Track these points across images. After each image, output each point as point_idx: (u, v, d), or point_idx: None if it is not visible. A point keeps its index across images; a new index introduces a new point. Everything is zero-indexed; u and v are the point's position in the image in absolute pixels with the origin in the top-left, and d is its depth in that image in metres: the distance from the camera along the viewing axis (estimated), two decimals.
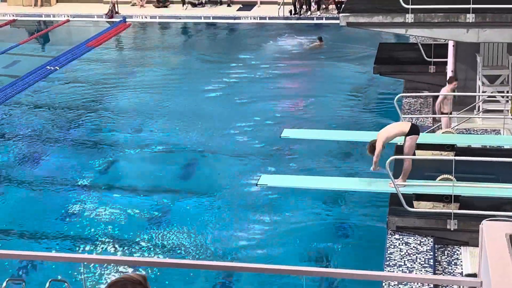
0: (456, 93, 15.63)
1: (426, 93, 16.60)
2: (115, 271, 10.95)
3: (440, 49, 16.62)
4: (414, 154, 11.69)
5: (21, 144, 16.76)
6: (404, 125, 11.64)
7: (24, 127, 17.79)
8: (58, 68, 22.50)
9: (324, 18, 28.09)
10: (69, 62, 23.29)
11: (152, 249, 12.05)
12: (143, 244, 12.20)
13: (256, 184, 12.33)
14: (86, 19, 29.73)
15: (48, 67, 22.55)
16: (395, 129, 11.56)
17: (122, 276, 4.10)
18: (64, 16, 29.93)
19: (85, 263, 7.31)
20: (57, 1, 32.05)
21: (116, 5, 29.82)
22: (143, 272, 9.18)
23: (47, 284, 8.11)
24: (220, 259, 11.55)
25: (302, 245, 12.04)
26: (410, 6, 13.23)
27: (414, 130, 11.41)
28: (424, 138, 13.66)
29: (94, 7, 30.60)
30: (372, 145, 11.39)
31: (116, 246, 12.20)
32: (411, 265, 10.15)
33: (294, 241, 12.16)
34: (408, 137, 11.35)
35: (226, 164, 15.23)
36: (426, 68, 16.93)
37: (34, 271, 11.27)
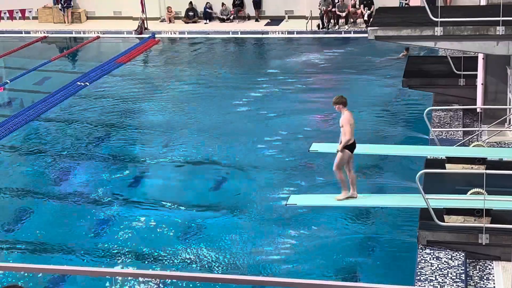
0: (486, 106, 15.51)
1: (456, 106, 16.48)
2: (144, 285, 10.99)
3: (469, 62, 16.49)
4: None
5: (51, 159, 16.94)
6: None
7: (55, 143, 17.99)
8: (88, 84, 22.75)
9: (352, 32, 28.08)
10: (99, 78, 23.54)
11: (180, 263, 12.06)
12: (170, 258, 12.21)
13: (285, 204, 12.27)
14: (115, 36, 30.07)
15: (78, 83, 22.81)
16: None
17: None
18: (94, 33, 30.30)
19: (115, 277, 7.34)
20: (87, 18, 32.48)
21: (145, 21, 30.12)
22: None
23: None
24: (248, 273, 11.52)
25: (331, 259, 11.97)
26: (439, 19, 13.18)
27: None
28: (454, 151, 13.58)
29: (124, 24, 30.96)
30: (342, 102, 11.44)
31: (145, 260, 12.24)
32: (442, 280, 10.03)
33: (322, 256, 12.09)
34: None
35: (254, 178, 15.23)
36: (455, 81, 16.80)
37: (64, 286, 11.35)
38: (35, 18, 32.62)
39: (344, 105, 11.60)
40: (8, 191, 15.35)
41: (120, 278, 10.81)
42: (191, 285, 11.09)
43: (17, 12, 31.48)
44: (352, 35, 27.95)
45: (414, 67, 18.34)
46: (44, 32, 30.83)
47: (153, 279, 10.85)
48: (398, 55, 23.58)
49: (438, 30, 13.34)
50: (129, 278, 11.06)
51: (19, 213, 14.22)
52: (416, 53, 23.45)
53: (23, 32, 31.03)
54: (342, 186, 11.83)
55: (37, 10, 32.34)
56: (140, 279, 11.12)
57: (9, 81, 23.96)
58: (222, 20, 30.78)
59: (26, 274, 11.04)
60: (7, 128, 18.66)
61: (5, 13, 31.44)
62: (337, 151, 11.62)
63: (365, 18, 28.06)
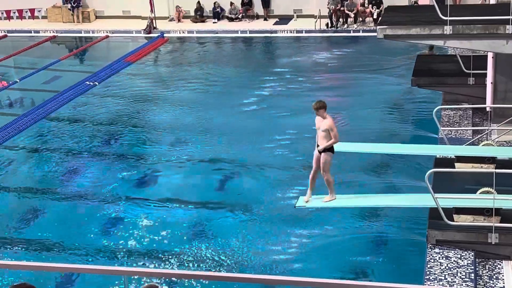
0: (496, 105, 15.45)
1: (465, 105, 16.43)
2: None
3: (479, 61, 16.44)
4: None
5: (61, 157, 17.00)
6: None
7: (64, 142, 18.05)
8: (97, 83, 22.82)
9: (361, 31, 28.05)
10: (108, 78, 23.61)
11: (189, 261, 12.08)
12: (179, 257, 12.24)
13: (294, 206, 12.24)
14: (124, 35, 30.13)
15: (87, 82, 22.88)
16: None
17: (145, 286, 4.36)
18: (103, 32, 30.38)
19: (125, 275, 7.35)
20: (96, 18, 32.57)
21: (154, 21, 30.17)
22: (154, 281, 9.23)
23: None
24: (258, 272, 11.53)
25: (340, 258, 11.96)
26: (448, 18, 13.14)
27: None
28: (464, 150, 13.55)
29: (133, 23, 31.03)
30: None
31: (153, 258, 12.27)
32: (451, 279, 10.01)
33: (331, 255, 12.09)
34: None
35: (262, 178, 15.23)
36: (465, 80, 16.75)
37: (75, 284, 11.39)
38: (44, 17, 32.75)
39: (325, 110, 11.70)
40: (17, 190, 15.41)
41: (128, 276, 10.83)
42: (199, 284, 11.12)
43: (26, 12, 31.60)
44: (361, 34, 27.92)
45: (423, 66, 18.30)
46: (54, 32, 30.94)
47: (162, 278, 10.89)
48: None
49: (448, 29, 13.30)
50: (138, 276, 11.09)
51: (28, 212, 14.28)
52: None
53: (32, 31, 31.15)
54: (330, 188, 11.88)
55: (47, 9, 32.47)
56: (149, 277, 11.14)
57: (18, 80, 24.07)
58: (231, 19, 30.80)
59: (36, 272, 11.08)
60: (17, 127, 18.74)
61: (14, 12, 31.57)
62: (320, 152, 11.70)
63: (374, 17, 28.02)
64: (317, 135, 11.78)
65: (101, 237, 13.09)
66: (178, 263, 12.03)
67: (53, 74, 24.85)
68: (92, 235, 13.15)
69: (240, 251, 12.26)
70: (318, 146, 11.76)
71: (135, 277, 10.80)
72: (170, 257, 12.25)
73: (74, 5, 31.84)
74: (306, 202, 12.01)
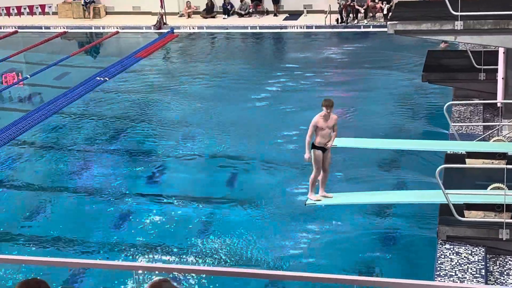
0: (507, 101, 15.38)
1: (476, 101, 16.36)
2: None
3: (490, 56, 16.36)
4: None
5: (70, 153, 17.05)
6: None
7: (74, 137, 18.10)
8: (108, 79, 22.86)
9: (371, 27, 27.95)
10: (118, 73, 23.64)
11: (197, 256, 12.10)
12: (189, 252, 12.25)
13: (305, 204, 12.21)
14: (134, 31, 30.16)
15: (98, 78, 22.92)
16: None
17: (154, 281, 4.45)
18: (114, 28, 30.42)
19: (135, 271, 7.37)
20: (106, 13, 32.61)
21: (164, 16, 30.18)
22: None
23: None
24: (266, 267, 11.52)
25: (350, 254, 11.94)
26: (459, 13, 13.07)
27: None
28: (475, 146, 13.48)
29: (143, 19, 31.05)
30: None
31: (163, 254, 12.28)
32: (462, 275, 9.98)
33: (341, 251, 12.07)
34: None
35: (272, 173, 15.22)
36: (476, 76, 16.67)
37: (85, 279, 11.43)
38: (54, 13, 32.80)
39: None
40: (27, 185, 15.47)
41: (137, 271, 10.85)
42: (208, 279, 11.12)
43: (37, 8, 31.68)
44: (371, 29, 27.82)
45: (434, 62, 18.22)
46: (64, 28, 31.00)
47: (171, 273, 10.90)
48: (440, 45, 22.94)
49: (458, 24, 13.23)
50: (147, 272, 11.11)
51: (38, 207, 14.33)
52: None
53: (43, 27, 31.23)
54: (313, 187, 11.94)
55: (57, 5, 32.53)
56: (158, 273, 11.15)
57: (29, 76, 24.15)
58: (241, 15, 30.77)
59: (46, 267, 11.12)
60: (28, 122, 18.80)
61: (25, 8, 31.66)
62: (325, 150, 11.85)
63: (384, 12, 27.91)
64: (319, 135, 11.65)
65: (111, 233, 13.12)
66: (186, 259, 12.05)
67: (64, 70, 24.91)
68: (101, 231, 13.19)
69: (249, 247, 12.26)
70: (325, 145, 11.72)
71: (143, 272, 10.83)
72: (178, 252, 12.27)
73: (88, 1, 31.90)
74: (317, 200, 11.99)
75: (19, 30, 31.24)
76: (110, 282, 10.60)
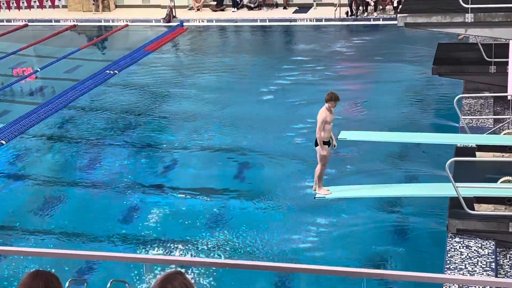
0: None
1: (486, 94, 16.30)
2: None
3: (500, 49, 16.27)
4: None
5: (80, 147, 17.10)
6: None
7: (84, 130, 18.15)
8: (117, 72, 22.89)
9: (381, 19, 27.87)
10: (127, 66, 23.68)
11: (207, 249, 12.12)
12: (198, 244, 12.28)
13: (314, 198, 12.22)
14: (144, 24, 30.19)
15: (107, 71, 22.97)
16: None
17: (167, 272, 4.42)
18: (123, 21, 30.46)
19: (146, 263, 7.41)
20: (116, 7, 32.64)
21: (173, 10, 30.19)
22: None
23: (108, 285, 8.23)
24: (276, 260, 11.53)
25: (360, 248, 11.94)
26: (469, 6, 13.00)
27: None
28: (485, 139, 13.44)
29: (152, 12, 31.07)
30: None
31: (173, 246, 12.32)
32: (472, 268, 9.96)
33: (351, 244, 12.07)
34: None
35: (282, 166, 15.22)
36: (486, 69, 16.59)
37: (95, 272, 11.48)
38: (64, 6, 32.91)
39: None
40: (38, 178, 15.53)
41: (147, 264, 10.89)
42: (218, 272, 11.15)
43: (47, 1, 31.77)
44: (381, 22, 27.73)
45: (444, 54, 18.15)
46: (74, 21, 31.06)
47: (181, 265, 10.94)
48: (458, 37, 22.77)
49: (469, 17, 13.16)
50: (157, 264, 11.15)
51: (48, 200, 14.39)
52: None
53: (53, 20, 31.30)
54: (321, 181, 11.99)
55: None
56: (168, 265, 11.19)
57: (39, 69, 24.22)
58: (250, 8, 30.73)
59: (56, 260, 11.18)
60: (38, 116, 18.87)
61: (35, 1, 31.77)
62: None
63: (395, 4, 27.81)
64: (326, 129, 11.71)
65: (120, 225, 13.17)
66: (196, 251, 12.08)
67: (73, 63, 24.96)
68: (110, 223, 13.23)
69: (258, 240, 12.28)
70: (332, 140, 11.82)
71: (153, 264, 10.87)
72: (188, 245, 12.30)
73: None
74: (326, 194, 12.02)
75: (29, 24, 31.33)
76: (120, 275, 10.62)
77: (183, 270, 4.55)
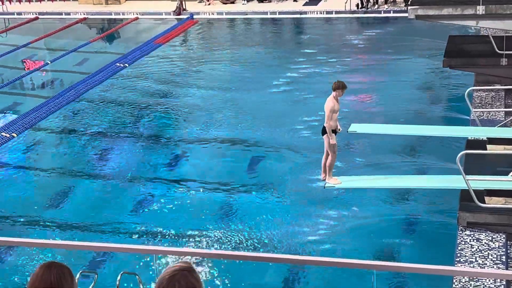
0: None
1: (498, 87, 16.21)
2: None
3: None
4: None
5: (90, 139, 17.14)
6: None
7: (94, 123, 18.19)
8: (127, 65, 22.92)
9: (391, 12, 27.75)
10: (137, 59, 23.70)
11: (216, 241, 12.14)
12: (207, 236, 12.29)
13: (324, 187, 12.26)
14: (154, 17, 30.19)
15: (117, 64, 22.99)
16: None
17: (175, 267, 4.25)
18: (133, 14, 30.46)
19: (157, 255, 7.43)
20: (126, 0, 32.65)
21: (183, 2, 30.16)
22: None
23: (119, 277, 8.24)
24: (286, 252, 11.54)
25: (370, 240, 11.92)
26: None
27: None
28: (496, 132, 13.39)
29: (162, 5, 31.06)
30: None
31: (182, 238, 12.34)
32: (482, 261, 9.93)
33: (360, 236, 12.04)
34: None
35: (292, 159, 15.21)
36: (497, 61, 16.50)
37: (105, 264, 11.52)
38: None
39: None
40: (49, 171, 15.60)
41: (161, 256, 10.93)
42: (226, 263, 11.17)
43: None
44: (391, 14, 27.61)
45: (455, 47, 18.07)
46: (84, 14, 31.10)
47: (189, 257, 10.96)
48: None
49: (480, 9, 13.12)
50: (167, 256, 11.18)
51: (59, 192, 14.43)
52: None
53: (63, 13, 31.35)
54: (331, 171, 12.11)
55: None
56: (178, 257, 11.22)
57: (50, 62, 24.28)
58: (260, 1, 30.67)
59: (66, 251, 11.23)
60: (48, 108, 18.92)
61: None
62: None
63: None
64: (333, 119, 11.85)
65: (129, 217, 13.20)
66: (205, 243, 12.10)
67: (84, 56, 25.01)
68: (121, 215, 13.26)
69: (268, 232, 12.28)
70: (338, 129, 11.95)
71: (164, 256, 10.91)
72: (197, 237, 12.31)
73: None
74: (337, 183, 12.08)
75: (40, 16, 31.39)
76: (131, 267, 10.66)
77: (192, 260, 4.46)
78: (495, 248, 10.21)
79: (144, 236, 12.46)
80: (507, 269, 9.81)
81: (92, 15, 31.00)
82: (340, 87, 11.84)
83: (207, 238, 12.26)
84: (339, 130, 12.30)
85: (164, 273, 4.23)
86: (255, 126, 17.13)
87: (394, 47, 23.21)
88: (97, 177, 15.05)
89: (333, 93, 11.91)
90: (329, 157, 12.03)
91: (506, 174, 11.01)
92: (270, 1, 30.60)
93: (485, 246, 10.27)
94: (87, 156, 16.28)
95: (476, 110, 14.90)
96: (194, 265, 4.33)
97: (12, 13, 31.94)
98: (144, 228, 12.72)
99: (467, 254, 10.09)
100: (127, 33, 29.07)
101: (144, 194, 14.09)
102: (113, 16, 30.93)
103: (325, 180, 12.44)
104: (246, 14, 29.36)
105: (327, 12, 28.50)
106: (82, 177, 15.13)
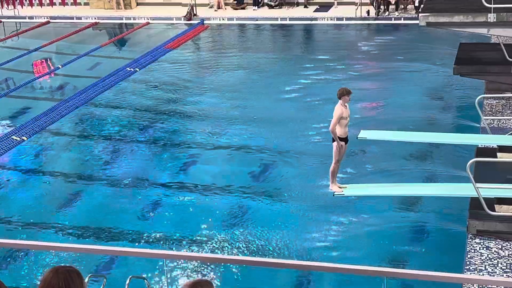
0: None
1: (508, 94, 16.17)
2: (192, 267, 11.11)
3: None
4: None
5: (101, 143, 17.20)
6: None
7: (104, 128, 18.26)
8: (138, 70, 22.99)
9: (402, 19, 27.74)
10: (148, 64, 23.78)
11: (225, 247, 12.15)
12: (217, 242, 12.30)
13: (333, 195, 12.24)
14: (165, 22, 30.29)
15: (128, 68, 23.07)
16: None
17: (195, 280, 4.47)
18: (144, 19, 30.57)
19: (166, 259, 7.44)
20: (137, 4, 32.78)
21: (194, 8, 30.25)
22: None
23: (127, 281, 8.26)
24: (294, 258, 11.53)
25: (379, 247, 11.90)
26: (492, 5, 12.93)
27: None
28: (506, 140, 13.34)
29: (173, 10, 31.17)
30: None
31: (192, 243, 12.35)
32: (492, 269, 9.90)
33: (370, 243, 12.03)
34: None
35: (302, 165, 15.21)
36: (508, 69, 16.45)
37: (114, 268, 11.54)
38: (86, 4, 33.10)
39: None
40: (58, 175, 15.64)
41: (171, 261, 10.93)
42: (237, 270, 11.16)
43: None
44: (402, 21, 27.61)
45: (466, 54, 18.04)
46: (95, 18, 31.23)
47: (198, 261, 10.98)
48: None
49: (491, 17, 13.09)
50: (176, 260, 11.20)
51: (69, 196, 14.48)
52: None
53: (74, 17, 31.50)
54: (335, 178, 12.13)
55: None
56: (186, 261, 11.24)
57: (61, 66, 24.38)
58: (271, 7, 30.73)
59: (76, 254, 11.26)
60: (59, 112, 19.00)
61: None
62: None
63: (416, 4, 27.68)
64: (342, 125, 11.84)
65: (139, 222, 13.22)
66: (214, 248, 12.10)
67: (95, 60, 25.11)
68: (130, 220, 13.29)
69: (277, 238, 12.27)
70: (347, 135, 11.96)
71: (173, 261, 10.93)
72: (206, 242, 12.32)
73: None
74: (342, 189, 12.09)
75: (51, 21, 31.56)
76: (140, 271, 10.68)
77: (201, 266, 4.64)
78: (505, 256, 10.18)
79: (153, 241, 12.48)
80: None
81: (103, 19, 31.13)
82: (344, 93, 11.86)
83: (216, 243, 12.27)
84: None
85: (186, 283, 4.44)
86: (266, 132, 17.14)
87: (404, 54, 23.19)
88: (106, 181, 15.08)
89: (340, 101, 11.92)
90: (332, 164, 12.05)
91: None
92: (281, 7, 30.64)
93: (494, 254, 10.24)
94: (97, 160, 16.32)
95: (486, 117, 14.86)
96: (203, 269, 4.56)
97: (24, 17, 32.13)
98: (153, 232, 12.73)
99: (476, 262, 10.06)
100: (138, 38, 29.18)
101: (153, 199, 14.11)
102: (124, 21, 31.06)
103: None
104: (257, 20, 29.42)
105: (338, 19, 28.52)
106: (91, 181, 15.17)
